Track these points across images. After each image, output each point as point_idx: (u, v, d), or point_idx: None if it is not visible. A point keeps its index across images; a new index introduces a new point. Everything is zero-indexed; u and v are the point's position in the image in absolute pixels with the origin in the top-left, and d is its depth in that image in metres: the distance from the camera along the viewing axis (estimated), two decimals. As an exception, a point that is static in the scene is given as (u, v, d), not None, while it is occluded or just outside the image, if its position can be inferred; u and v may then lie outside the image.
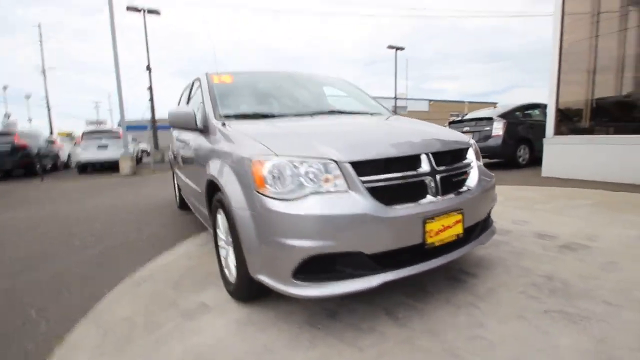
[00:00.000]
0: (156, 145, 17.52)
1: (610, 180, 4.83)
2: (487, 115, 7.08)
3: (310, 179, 1.47)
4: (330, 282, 1.44)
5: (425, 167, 1.63)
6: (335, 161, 1.48)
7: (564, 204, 3.73)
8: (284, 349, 1.49)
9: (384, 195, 1.49)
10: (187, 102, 3.14)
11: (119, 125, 12.39)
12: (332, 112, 2.50)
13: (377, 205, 1.45)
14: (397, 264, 1.53)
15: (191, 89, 3.14)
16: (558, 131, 5.46)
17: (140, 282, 2.29)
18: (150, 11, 16.03)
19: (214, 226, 2.15)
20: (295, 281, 1.44)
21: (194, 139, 2.55)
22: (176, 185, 4.53)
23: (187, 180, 2.97)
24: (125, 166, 9.99)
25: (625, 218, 3.06)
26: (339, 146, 1.56)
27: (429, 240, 1.56)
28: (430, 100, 40.63)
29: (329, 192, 1.45)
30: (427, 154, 1.65)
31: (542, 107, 7.74)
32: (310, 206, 1.40)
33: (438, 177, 1.65)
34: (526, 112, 7.42)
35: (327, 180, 1.48)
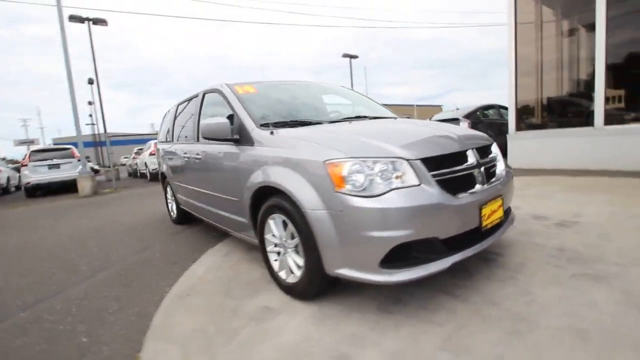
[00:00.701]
0: (109, 162, 16.29)
1: (565, 168, 5.58)
2: (453, 117, 7.74)
3: (385, 177, 1.62)
4: (411, 267, 1.60)
5: (472, 160, 1.86)
6: (406, 159, 1.65)
7: (540, 190, 4.27)
8: (372, 333, 1.61)
9: (448, 186, 1.69)
10: (199, 116, 3.10)
11: (55, 143, 11.40)
12: (360, 117, 2.67)
13: (446, 195, 1.65)
14: (461, 246, 1.73)
15: (202, 102, 3.11)
16: (519, 127, 6.18)
17: (184, 295, 2.25)
18: (97, 21, 14.99)
19: (261, 232, 2.20)
20: (382, 269, 1.57)
21: (222, 150, 2.56)
22: (172, 200, 4.37)
23: (207, 191, 2.94)
24: (85, 186, 9.21)
25: (593, 198, 3.61)
26: (402, 146, 1.74)
27: (484, 224, 1.80)
28: (383, 105, 42.44)
29: (404, 186, 1.61)
30: (472, 149, 1.89)
31: (496, 107, 8.64)
32: (394, 200, 1.55)
33: (482, 168, 1.90)
34: (484, 112, 8.24)
35: (397, 177, 1.64)
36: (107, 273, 2.82)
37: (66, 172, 10.20)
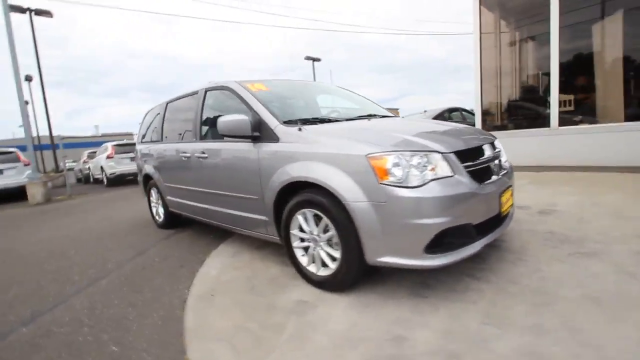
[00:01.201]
0: (57, 166, 14.87)
1: (526, 164, 6.19)
2: (423, 118, 8.22)
3: (422, 169, 1.74)
4: (450, 251, 1.73)
5: (489, 153, 2.06)
6: (441, 152, 1.79)
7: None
8: (415, 316, 1.71)
9: (474, 177, 1.86)
10: (201, 114, 3.01)
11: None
12: (371, 116, 2.79)
13: (476, 184, 1.81)
14: (486, 230, 1.91)
15: (204, 99, 3.03)
16: (484, 128, 6.74)
17: (208, 296, 2.19)
18: (40, 12, 13.64)
19: (287, 228, 2.21)
20: (426, 255, 1.69)
21: (237, 147, 2.52)
22: (157, 203, 4.16)
23: (212, 191, 2.86)
24: (36, 193, 8.32)
25: (560, 190, 4.08)
26: (434, 140, 1.88)
27: (502, 210, 1.99)
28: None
29: (441, 177, 1.74)
30: (487, 144, 2.09)
31: (460, 110, 9.32)
32: (435, 189, 1.68)
33: (496, 161, 2.10)
34: (450, 114, 8.85)
35: (432, 169, 1.77)
36: (108, 280, 2.63)
37: (11, 178, 9.13)
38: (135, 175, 11.53)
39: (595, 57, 5.53)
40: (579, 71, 5.68)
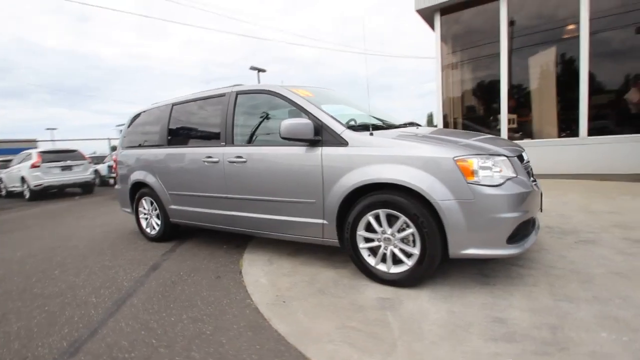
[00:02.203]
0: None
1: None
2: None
3: (497, 170, 2.00)
4: (520, 242, 2.01)
5: (526, 159, 2.43)
6: (507, 156, 2.07)
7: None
8: (498, 300, 1.93)
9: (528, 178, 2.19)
10: (233, 118, 2.89)
11: None
12: (412, 124, 3.02)
13: (531, 184, 2.13)
14: (534, 224, 2.25)
15: (235, 102, 2.91)
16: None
17: (279, 302, 2.12)
18: None
19: (353, 229, 2.28)
20: (508, 245, 1.93)
21: (290, 152, 2.50)
22: (150, 214, 3.77)
23: (247, 197, 2.76)
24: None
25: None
26: (496, 146, 2.16)
27: (542, 208, 2.36)
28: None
29: (510, 177, 2.02)
30: (523, 151, 2.46)
31: (415, 124, 10.20)
32: (512, 187, 1.94)
33: (530, 167, 2.48)
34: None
35: (500, 170, 2.04)
36: (139, 299, 2.34)
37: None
38: (66, 186, 10.08)
39: (532, 84, 6.69)
40: (520, 95, 6.78)
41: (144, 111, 3.97)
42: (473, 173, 1.93)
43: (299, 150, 2.49)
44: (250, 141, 2.86)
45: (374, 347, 1.61)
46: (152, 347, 1.75)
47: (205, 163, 3.03)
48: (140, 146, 3.86)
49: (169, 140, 3.48)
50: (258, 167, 2.71)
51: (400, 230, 2.14)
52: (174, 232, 3.77)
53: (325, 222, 2.43)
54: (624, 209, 3.60)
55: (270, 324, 1.88)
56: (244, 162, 2.77)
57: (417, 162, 2.04)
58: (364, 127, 2.46)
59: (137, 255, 3.35)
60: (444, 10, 6.95)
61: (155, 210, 3.72)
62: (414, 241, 2.11)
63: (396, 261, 2.20)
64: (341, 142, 2.32)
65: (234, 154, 2.84)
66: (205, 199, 3.13)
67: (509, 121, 6.67)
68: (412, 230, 2.08)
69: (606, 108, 5.93)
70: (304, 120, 2.34)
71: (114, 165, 4.24)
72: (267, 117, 2.88)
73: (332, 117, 2.43)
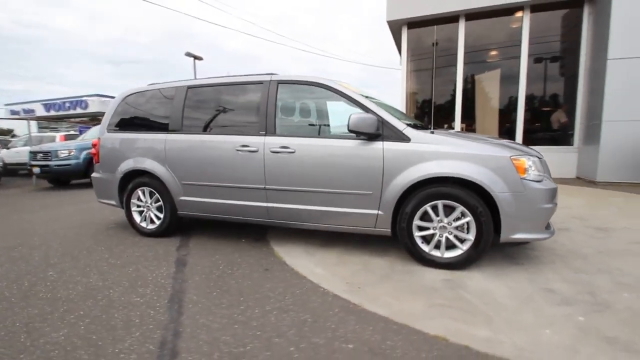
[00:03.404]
0: None
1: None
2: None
3: (535, 168, 2.42)
4: (550, 228, 2.46)
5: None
6: (540, 157, 2.51)
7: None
8: (536, 276, 2.33)
9: (547, 175, 2.67)
10: (275, 107, 2.81)
11: None
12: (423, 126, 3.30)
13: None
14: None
15: (276, 92, 2.83)
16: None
17: (356, 289, 2.19)
18: None
19: (410, 219, 2.48)
20: (545, 230, 2.35)
21: (348, 144, 2.58)
22: (148, 207, 3.38)
23: (294, 188, 2.74)
24: None
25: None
26: (526, 149, 2.59)
27: (551, 201, 2.90)
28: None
29: (543, 175, 2.45)
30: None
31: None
32: (549, 183, 2.37)
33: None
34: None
35: (536, 169, 2.47)
36: (197, 295, 2.16)
37: None
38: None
39: (478, 98, 7.76)
40: (468, 106, 7.80)
41: (139, 92, 3.53)
42: (525, 170, 2.31)
43: (356, 144, 2.58)
44: (294, 132, 2.83)
45: (472, 319, 1.83)
46: (261, 339, 1.68)
47: (240, 152, 2.88)
48: (138, 130, 3.42)
49: (184, 126, 3.18)
50: (308, 158, 2.70)
51: (456, 219, 2.42)
52: (177, 226, 3.45)
53: (380, 212, 2.57)
54: (569, 205, 4.53)
55: (365, 308, 1.97)
56: (292, 152, 2.73)
57: (478, 159, 2.34)
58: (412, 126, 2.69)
59: (145, 252, 3.00)
60: (411, 24, 7.62)
61: (157, 202, 3.35)
62: (467, 228, 2.41)
63: (448, 247, 2.47)
64: (403, 138, 2.50)
65: (278, 144, 2.77)
66: (232, 190, 2.97)
67: (460, 129, 7.65)
68: (468, 218, 2.37)
69: (539, 123, 7.24)
70: (371, 115, 2.45)
71: (94, 150, 3.65)
72: (311, 108, 2.89)
73: (391, 114, 2.59)
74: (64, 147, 7.26)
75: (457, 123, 7.48)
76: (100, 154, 3.59)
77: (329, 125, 2.93)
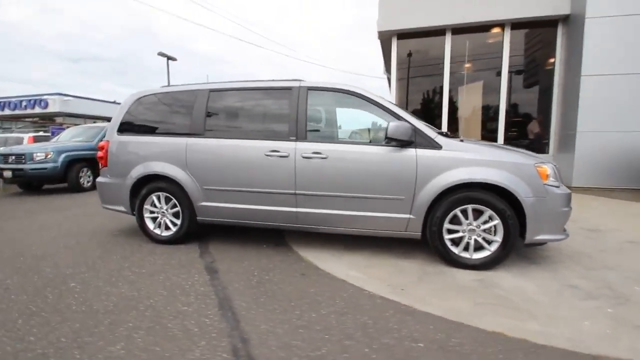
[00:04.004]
0: None
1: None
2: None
3: (554, 175, 2.64)
4: (565, 230, 2.69)
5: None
6: (555, 165, 2.74)
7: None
8: (556, 274, 2.55)
9: (556, 182, 2.91)
10: (306, 113, 2.84)
11: None
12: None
13: (564, 187, 2.87)
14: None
15: (306, 99, 2.87)
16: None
17: (398, 290, 2.27)
18: None
19: (441, 223, 2.61)
20: (563, 232, 2.57)
21: (385, 151, 2.67)
22: (163, 213, 3.27)
23: (326, 193, 2.78)
24: None
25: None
26: (542, 157, 2.82)
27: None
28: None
29: (559, 181, 2.68)
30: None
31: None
32: (564, 189, 2.60)
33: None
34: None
35: (555, 176, 2.69)
36: (244, 301, 2.13)
37: None
38: None
39: (461, 106, 8.19)
40: (453, 115, 8.22)
41: (153, 94, 3.41)
42: (547, 176, 2.52)
43: (388, 150, 2.68)
44: (324, 138, 2.88)
45: (518, 315, 1.97)
46: (332, 342, 1.71)
47: (269, 157, 2.88)
48: (152, 133, 3.31)
49: (206, 130, 3.12)
50: (341, 164, 2.76)
51: (485, 222, 2.58)
52: (195, 233, 3.35)
53: (412, 216, 2.68)
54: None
55: (417, 309, 2.05)
56: (324, 158, 2.78)
57: (506, 166, 2.52)
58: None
59: (167, 260, 2.89)
60: (400, 36, 7.93)
61: (174, 207, 3.25)
62: (495, 231, 2.57)
63: (475, 249, 2.63)
64: (434, 146, 2.63)
65: (310, 149, 2.81)
66: (259, 195, 2.96)
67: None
68: (496, 222, 2.54)
69: (517, 132, 7.76)
70: (406, 124, 2.57)
71: (101, 153, 3.46)
72: (339, 115, 2.96)
73: (423, 122, 2.72)
74: (40, 149, 6.74)
75: (444, 130, 7.86)
76: (109, 157, 3.41)
77: (357, 132, 3.01)
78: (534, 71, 7.69)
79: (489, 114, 7.83)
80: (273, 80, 3.10)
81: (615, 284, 2.36)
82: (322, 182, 2.81)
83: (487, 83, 7.70)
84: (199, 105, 3.16)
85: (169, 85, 3.53)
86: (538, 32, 7.36)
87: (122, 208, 3.44)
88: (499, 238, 2.56)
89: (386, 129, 2.57)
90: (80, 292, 2.29)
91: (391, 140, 2.60)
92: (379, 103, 2.80)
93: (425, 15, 7.48)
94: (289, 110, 2.92)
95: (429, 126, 2.79)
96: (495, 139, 7.54)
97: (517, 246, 2.61)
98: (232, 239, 3.47)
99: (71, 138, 7.80)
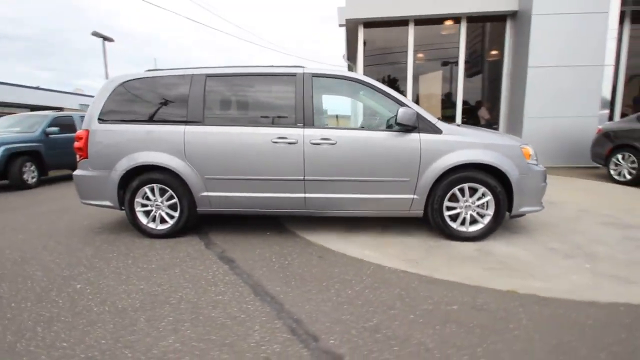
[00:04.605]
0: None
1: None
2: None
3: (534, 155, 3.01)
4: (541, 204, 3.10)
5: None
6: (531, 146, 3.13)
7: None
8: (535, 238, 2.96)
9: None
10: (312, 99, 2.85)
11: None
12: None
13: (537, 164, 3.28)
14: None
15: (312, 85, 2.89)
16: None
17: (413, 264, 2.48)
18: None
19: (441, 201, 2.86)
20: (541, 204, 2.97)
21: (389, 136, 2.82)
22: (157, 205, 3.10)
23: (336, 178, 2.86)
24: None
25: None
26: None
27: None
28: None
29: (537, 159, 3.07)
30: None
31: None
32: (542, 167, 2.99)
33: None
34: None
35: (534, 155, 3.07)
36: (280, 289, 2.17)
37: None
38: None
39: (422, 94, 8.70)
40: (415, 102, 8.69)
41: (136, 78, 3.15)
42: (530, 156, 2.88)
43: (393, 135, 2.84)
44: (330, 123, 2.94)
45: (521, 276, 2.29)
46: (379, 313, 1.84)
47: (277, 144, 2.87)
48: (141, 121, 3.07)
49: (205, 117, 2.99)
50: (349, 149, 2.86)
51: (479, 198, 2.88)
52: (194, 224, 3.24)
53: (415, 196, 2.89)
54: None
55: (437, 277, 2.27)
56: (333, 144, 2.85)
57: (498, 147, 2.83)
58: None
59: (174, 253, 2.78)
60: (367, 24, 8.10)
61: (170, 199, 3.09)
62: (487, 206, 2.89)
63: (472, 222, 2.93)
64: (436, 130, 2.85)
65: (318, 135, 2.86)
66: (266, 183, 2.95)
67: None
68: (488, 198, 2.85)
69: (470, 118, 8.48)
70: (412, 110, 2.73)
71: (79, 144, 3.13)
72: (342, 101, 3.03)
73: (424, 109, 2.91)
74: (-30, 141, 5.79)
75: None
76: (90, 148, 3.11)
77: (361, 118, 3.12)
78: (485, 62, 8.42)
79: (446, 102, 8.44)
80: (274, 66, 3.06)
81: (583, 245, 2.81)
82: (331, 168, 2.89)
83: (445, 72, 8.26)
84: (196, 91, 3.01)
85: (155, 69, 3.27)
86: (490, 26, 8.04)
87: (107, 203, 3.18)
88: (490, 212, 2.88)
89: (395, 115, 2.72)
90: (94, 293, 2.13)
91: (401, 126, 2.76)
92: (383, 90, 2.93)
93: (390, 6, 7.72)
94: (295, 97, 2.92)
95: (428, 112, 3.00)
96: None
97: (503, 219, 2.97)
98: (230, 229, 3.41)
99: (6, 128, 6.80)
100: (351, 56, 11.11)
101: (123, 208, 3.18)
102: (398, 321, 1.76)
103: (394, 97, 2.92)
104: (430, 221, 2.97)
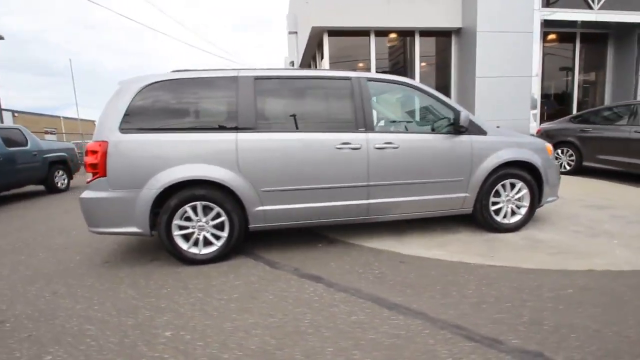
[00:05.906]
0: None
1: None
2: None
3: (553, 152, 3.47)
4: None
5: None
6: (543, 144, 3.60)
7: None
8: (537, 228, 3.41)
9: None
10: (370, 102, 2.80)
11: None
12: None
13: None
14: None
15: (368, 89, 2.86)
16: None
17: (488, 257, 2.63)
18: None
19: (487, 196, 3.10)
20: (558, 194, 3.44)
21: (444, 138, 2.95)
22: (207, 224, 2.69)
23: (400, 182, 2.88)
24: None
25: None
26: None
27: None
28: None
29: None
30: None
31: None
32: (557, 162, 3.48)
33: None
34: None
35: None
36: (396, 293, 2.08)
37: None
38: None
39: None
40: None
41: (164, 80, 2.69)
42: (551, 152, 3.32)
43: (446, 138, 2.99)
44: (389, 128, 2.94)
45: (580, 256, 2.62)
46: (542, 309, 1.91)
47: (341, 150, 2.75)
48: (179, 130, 2.62)
49: (259, 124, 2.69)
50: (411, 153, 2.91)
51: (517, 192, 3.20)
52: (238, 244, 2.87)
53: (467, 195, 3.08)
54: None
55: (524, 267, 2.46)
56: (396, 148, 2.85)
57: (531, 146, 3.21)
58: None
59: (239, 279, 2.43)
60: (331, 33, 8.28)
61: (217, 218, 2.70)
62: (523, 199, 3.23)
63: (512, 214, 3.24)
64: (482, 132, 3.08)
65: (382, 140, 2.83)
66: (329, 191, 2.80)
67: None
68: (524, 191, 3.20)
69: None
70: (467, 113, 2.92)
71: (93, 159, 2.49)
72: (399, 105, 3.06)
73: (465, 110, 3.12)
74: None
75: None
76: (110, 164, 2.53)
77: (413, 121, 3.19)
78: (437, 72, 9.36)
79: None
80: (324, 70, 2.94)
81: (593, 226, 3.35)
82: (395, 171, 2.89)
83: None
84: (245, 95, 2.70)
85: (182, 70, 2.82)
86: (439, 40, 8.98)
87: (133, 229, 2.62)
88: (526, 204, 3.24)
89: (457, 118, 2.87)
90: (201, 338, 1.74)
91: (460, 128, 2.91)
92: (434, 95, 3.06)
93: (353, 16, 8.04)
94: (352, 101, 2.85)
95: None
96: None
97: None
98: (269, 244, 3.13)
99: None
100: (305, 63, 11.18)
101: (153, 234, 2.67)
102: (546, 311, 1.87)
103: (444, 101, 3.08)
104: (477, 217, 3.19)
